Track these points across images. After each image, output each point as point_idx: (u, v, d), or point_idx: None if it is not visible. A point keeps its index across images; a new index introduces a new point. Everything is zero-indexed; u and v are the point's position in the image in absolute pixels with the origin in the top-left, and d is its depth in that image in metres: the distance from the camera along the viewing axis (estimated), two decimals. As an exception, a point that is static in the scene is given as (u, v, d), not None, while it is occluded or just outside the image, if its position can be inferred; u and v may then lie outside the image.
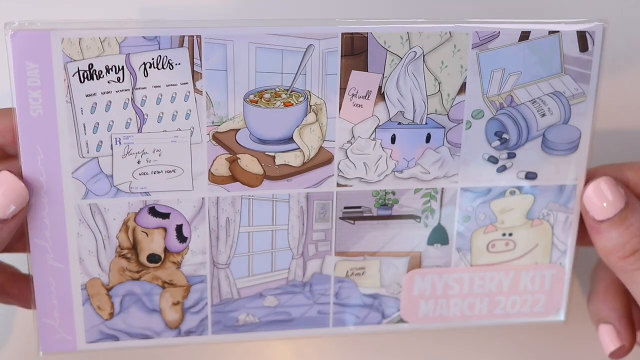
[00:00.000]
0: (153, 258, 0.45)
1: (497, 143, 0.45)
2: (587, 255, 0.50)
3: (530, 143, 0.46)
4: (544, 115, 0.45)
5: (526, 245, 0.48)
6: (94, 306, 0.46)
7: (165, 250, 0.45)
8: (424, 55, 0.43)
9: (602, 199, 0.45)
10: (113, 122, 0.42)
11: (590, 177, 0.46)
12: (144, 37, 0.40)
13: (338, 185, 0.45)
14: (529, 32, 0.43)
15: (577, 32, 0.43)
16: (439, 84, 0.43)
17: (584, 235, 0.47)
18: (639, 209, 0.45)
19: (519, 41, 0.43)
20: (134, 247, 0.45)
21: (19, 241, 0.44)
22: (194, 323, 0.47)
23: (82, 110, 0.41)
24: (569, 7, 0.51)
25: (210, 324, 0.47)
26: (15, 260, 0.47)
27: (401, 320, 0.49)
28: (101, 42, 0.40)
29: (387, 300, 0.49)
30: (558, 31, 0.43)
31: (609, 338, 0.48)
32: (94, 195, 0.43)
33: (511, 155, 0.46)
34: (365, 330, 0.49)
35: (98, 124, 0.42)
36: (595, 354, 0.52)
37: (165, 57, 0.41)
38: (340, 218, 0.46)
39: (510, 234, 0.48)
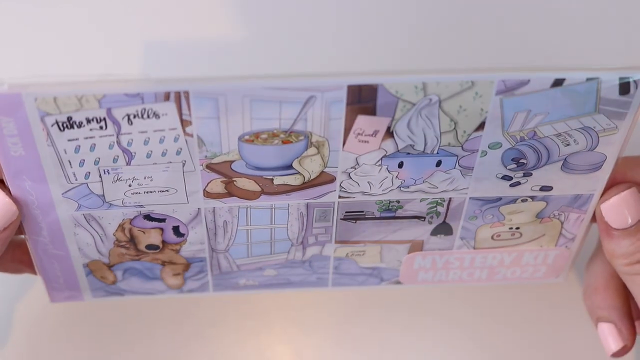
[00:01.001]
0: (152, 247, 0.45)
1: (513, 166, 0.42)
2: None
3: (549, 165, 0.42)
4: (568, 145, 0.41)
5: (532, 235, 0.47)
6: (97, 277, 0.47)
7: (163, 242, 0.45)
8: (440, 101, 0.38)
9: (624, 211, 0.43)
10: (99, 158, 0.39)
11: (610, 180, 0.44)
12: (125, 93, 0.36)
13: (340, 197, 0.43)
14: (564, 78, 0.38)
15: (620, 78, 0.38)
16: (454, 123, 0.39)
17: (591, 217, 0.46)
18: None
19: (551, 87, 0.38)
20: (132, 240, 0.45)
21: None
22: (196, 286, 0.49)
23: (65, 151, 0.39)
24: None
25: (211, 286, 0.49)
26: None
27: (399, 282, 0.50)
28: (78, 100, 0.36)
29: (386, 270, 0.49)
30: (597, 77, 0.38)
31: (611, 338, 0.47)
32: (87, 209, 0.42)
33: (527, 175, 0.43)
34: (363, 289, 0.50)
35: (84, 160, 0.39)
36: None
37: (150, 109, 0.37)
38: (342, 219, 0.45)
39: (517, 228, 0.47)
